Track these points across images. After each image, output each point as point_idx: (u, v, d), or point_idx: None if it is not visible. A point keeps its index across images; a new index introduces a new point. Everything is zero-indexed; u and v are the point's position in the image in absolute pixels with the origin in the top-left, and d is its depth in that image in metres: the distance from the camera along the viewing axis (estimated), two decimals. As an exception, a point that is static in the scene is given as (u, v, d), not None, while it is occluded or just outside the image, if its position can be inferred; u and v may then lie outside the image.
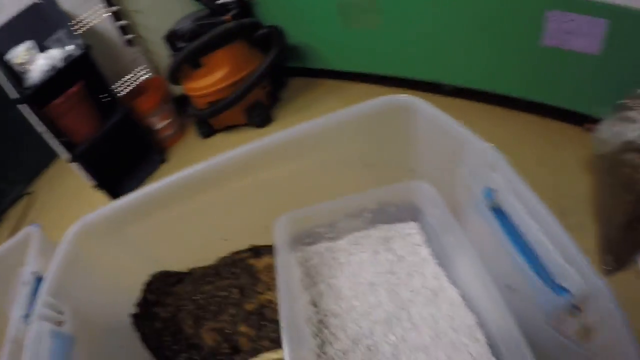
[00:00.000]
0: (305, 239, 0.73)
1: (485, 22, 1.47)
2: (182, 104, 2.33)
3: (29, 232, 0.93)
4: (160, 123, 2.25)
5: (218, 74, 1.99)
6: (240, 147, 0.73)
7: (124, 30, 2.24)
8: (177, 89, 2.33)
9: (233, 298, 0.76)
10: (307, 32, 2.12)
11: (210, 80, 2.00)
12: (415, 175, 0.79)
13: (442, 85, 1.85)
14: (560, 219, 1.20)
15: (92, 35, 2.15)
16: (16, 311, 0.74)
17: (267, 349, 0.70)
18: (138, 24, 2.27)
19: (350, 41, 2.00)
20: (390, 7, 1.73)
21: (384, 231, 0.74)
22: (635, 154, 0.95)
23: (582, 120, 1.42)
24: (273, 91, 2.27)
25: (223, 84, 2.00)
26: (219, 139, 2.24)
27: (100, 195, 2.05)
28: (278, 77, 2.36)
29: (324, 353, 0.58)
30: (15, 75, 1.85)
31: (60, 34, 1.94)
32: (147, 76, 2.44)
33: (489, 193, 0.60)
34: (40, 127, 1.84)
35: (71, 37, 1.94)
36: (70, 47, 1.92)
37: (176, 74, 2.02)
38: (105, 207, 0.74)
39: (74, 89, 1.85)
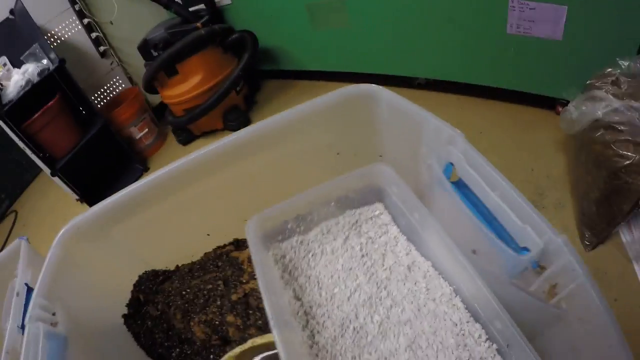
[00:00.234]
0: (277, 236, 0.74)
1: (451, 14, 1.51)
2: (161, 112, 2.35)
3: (18, 245, 0.95)
4: (139, 133, 2.27)
5: (193, 81, 2.01)
6: (213, 144, 0.75)
7: (97, 42, 2.26)
8: (156, 98, 2.36)
9: (219, 290, 0.79)
10: (278, 35, 2.16)
11: (185, 87, 2.02)
12: (384, 160, 0.83)
13: (414, 79, 1.89)
14: (540, 198, 1.24)
15: (66, 49, 2.16)
16: (11, 322, 0.76)
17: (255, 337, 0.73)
18: (111, 35, 2.29)
19: (321, 41, 2.04)
20: (358, 5, 1.77)
21: (352, 216, 0.76)
22: (604, 131, 0.98)
23: (554, 103, 1.48)
24: (249, 94, 2.30)
25: (198, 90, 2.02)
26: (198, 144, 2.26)
27: (84, 208, 2.04)
28: (253, 81, 2.39)
29: (315, 343, 0.59)
30: (-9, 93, 1.86)
31: (35, 48, 1.94)
32: (123, 87, 2.46)
33: (449, 167, 0.64)
34: (20, 143, 1.85)
35: (46, 51, 1.94)
36: (45, 62, 1.93)
37: (151, 83, 2.04)
38: (89, 210, 0.76)
39: (50, 103, 1.86)
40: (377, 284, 0.65)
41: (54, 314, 0.66)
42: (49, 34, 2.11)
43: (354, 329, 0.60)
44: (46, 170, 1.94)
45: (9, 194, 2.50)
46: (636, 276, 1.00)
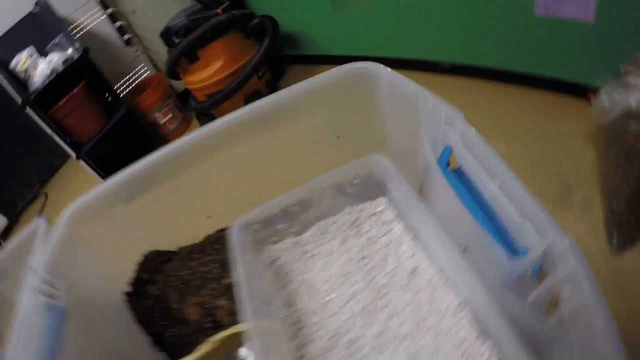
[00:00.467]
0: (269, 238, 0.69)
1: None
2: (186, 98, 2.38)
3: (37, 224, 0.98)
4: (163, 118, 2.31)
5: (214, 67, 2.03)
6: (209, 125, 0.74)
7: (122, 30, 2.30)
8: (181, 84, 2.38)
9: (214, 272, 0.79)
10: (300, 19, 2.15)
11: (207, 73, 2.04)
12: (388, 144, 0.81)
13: (438, 64, 1.84)
14: (566, 194, 1.18)
15: (91, 38, 2.21)
16: (24, 296, 0.79)
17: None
18: (134, 23, 2.33)
19: (343, 26, 2.01)
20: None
21: (351, 214, 0.70)
22: (638, 122, 0.90)
23: (585, 92, 1.37)
24: (272, 80, 2.31)
25: (220, 76, 2.04)
26: (221, 129, 2.27)
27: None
28: (276, 66, 2.39)
29: (303, 356, 0.55)
30: (20, 82, 1.93)
31: (60, 39, 2.01)
32: (147, 73, 2.50)
33: (447, 152, 0.58)
34: (47, 129, 1.91)
35: (70, 41, 2.00)
36: (69, 51, 1.99)
37: (174, 69, 2.07)
38: (94, 189, 0.76)
39: (75, 90, 1.91)
40: (375, 290, 0.60)
41: (55, 288, 0.68)
42: (74, 25, 2.17)
43: (348, 341, 0.55)
44: (72, 154, 2.00)
45: (40, 177, 2.60)
46: (667, 284, 0.90)
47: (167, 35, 2.02)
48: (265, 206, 0.67)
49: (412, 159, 0.67)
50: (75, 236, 0.75)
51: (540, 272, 0.42)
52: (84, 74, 2.00)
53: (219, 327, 0.76)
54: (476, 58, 1.65)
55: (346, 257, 0.65)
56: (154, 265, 0.87)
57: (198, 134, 0.75)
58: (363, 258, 0.65)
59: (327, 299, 0.61)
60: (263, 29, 2.06)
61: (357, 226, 0.69)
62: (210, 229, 0.91)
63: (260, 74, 2.11)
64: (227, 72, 2.04)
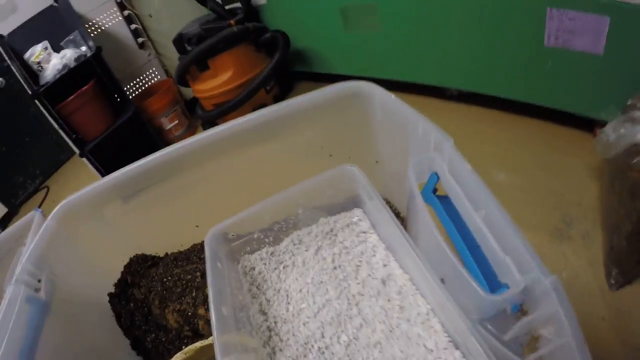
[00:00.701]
0: (245, 247, 0.71)
1: (488, 22, 1.45)
2: (194, 106, 2.40)
3: (32, 216, 0.99)
4: (169, 123, 2.33)
5: (223, 77, 2.05)
6: (206, 132, 0.75)
7: (136, 33, 2.34)
8: (190, 91, 2.41)
9: (196, 282, 0.80)
10: (311, 36, 2.17)
11: (216, 82, 2.06)
12: (381, 166, 0.81)
13: (447, 90, 1.86)
14: (566, 228, 1.18)
15: (105, 38, 2.25)
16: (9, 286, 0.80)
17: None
18: (149, 27, 2.36)
19: (353, 45, 2.03)
20: (390, 9, 1.74)
21: (326, 225, 0.72)
22: None
23: (592, 125, 1.38)
24: (280, 94, 2.33)
25: (228, 86, 2.06)
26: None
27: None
28: (285, 81, 2.41)
29: None
30: (32, 73, 1.95)
31: (75, 35, 2.04)
32: (158, 78, 2.53)
33: (434, 178, 0.58)
34: (54, 123, 1.94)
35: (85, 38, 2.03)
36: (83, 48, 2.02)
37: (183, 76, 2.09)
38: (85, 188, 0.77)
39: (84, 88, 1.93)
40: (347, 299, 0.61)
41: (39, 281, 0.69)
42: (90, 23, 2.20)
43: (319, 349, 0.56)
44: (76, 150, 2.02)
45: (43, 170, 2.62)
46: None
47: (180, 42, 2.05)
48: (241, 215, 0.68)
49: (404, 184, 0.66)
50: (65, 232, 0.76)
51: (522, 309, 0.42)
52: (95, 72, 2.03)
53: (198, 336, 0.77)
54: (484, 86, 1.65)
55: (319, 266, 0.67)
56: (139, 268, 0.88)
57: (191, 141, 0.76)
58: (336, 268, 0.66)
59: (300, 307, 0.62)
60: (274, 44, 2.08)
61: (331, 236, 0.71)
62: (197, 237, 0.92)
63: (268, 87, 2.13)
64: (235, 84, 2.06)
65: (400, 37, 1.80)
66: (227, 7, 2.14)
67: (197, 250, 0.87)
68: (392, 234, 0.62)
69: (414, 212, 0.64)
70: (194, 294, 0.78)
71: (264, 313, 0.62)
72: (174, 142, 2.17)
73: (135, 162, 0.76)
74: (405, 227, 0.73)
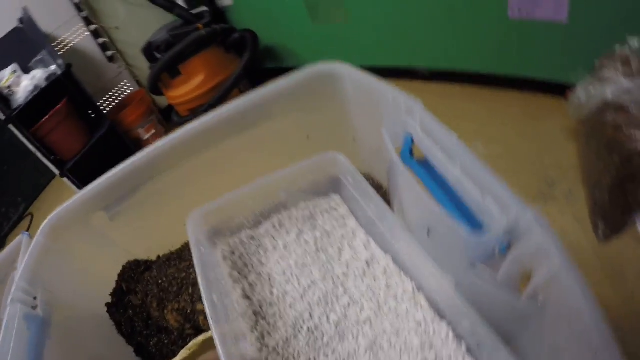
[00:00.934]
0: (226, 231, 0.71)
1: (450, 0, 1.48)
2: (169, 114, 2.39)
3: (20, 240, 0.98)
4: (146, 134, 2.32)
5: (196, 81, 2.05)
6: (178, 131, 0.75)
7: (105, 47, 2.32)
8: (164, 100, 2.40)
9: (191, 278, 0.79)
10: (279, 33, 2.18)
11: (188, 88, 2.06)
12: (358, 143, 0.81)
13: (418, 71, 1.87)
14: (550, 189, 1.20)
15: (75, 55, 2.23)
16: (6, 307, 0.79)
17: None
18: (117, 40, 2.35)
19: (321, 37, 2.05)
20: (355, -1, 1.75)
21: (306, 209, 0.72)
22: (615, 114, 0.90)
23: (564, 90, 1.33)
24: (254, 93, 2.33)
25: (201, 90, 2.06)
26: (204, 144, 2.28)
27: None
28: (258, 79, 2.41)
29: (265, 345, 0.55)
30: (3, 98, 1.93)
31: (43, 55, 2.01)
32: (132, 89, 2.52)
33: (408, 141, 0.59)
34: (30, 146, 1.91)
35: (53, 57, 2.01)
36: (52, 67, 2.00)
37: (156, 85, 2.09)
38: (71, 199, 0.76)
39: (58, 107, 1.91)
40: (333, 280, 0.62)
41: (35, 298, 0.68)
42: (57, 41, 2.19)
43: (309, 329, 0.57)
44: (55, 171, 2.00)
45: (25, 197, 2.57)
46: (655, 270, 0.91)
47: (149, 50, 2.04)
48: (221, 199, 0.69)
49: (382, 156, 0.68)
50: (55, 247, 0.75)
51: (509, 249, 0.42)
52: (67, 90, 2.01)
53: (200, 332, 0.76)
54: (453, 63, 1.68)
55: (302, 250, 0.67)
56: (134, 275, 0.88)
57: (168, 140, 0.75)
58: (318, 250, 0.66)
59: (285, 289, 0.62)
60: (243, 43, 2.09)
61: (312, 221, 0.71)
62: (187, 236, 0.91)
63: (241, 87, 2.13)
64: (208, 87, 2.06)
65: (368, 23, 1.82)
66: (193, 12, 2.14)
67: (189, 248, 0.87)
68: (374, 215, 0.62)
69: (394, 176, 0.66)
70: (190, 290, 0.78)
71: (248, 298, 0.62)
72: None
73: (115, 168, 0.76)
74: (388, 199, 0.75)
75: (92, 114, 2.19)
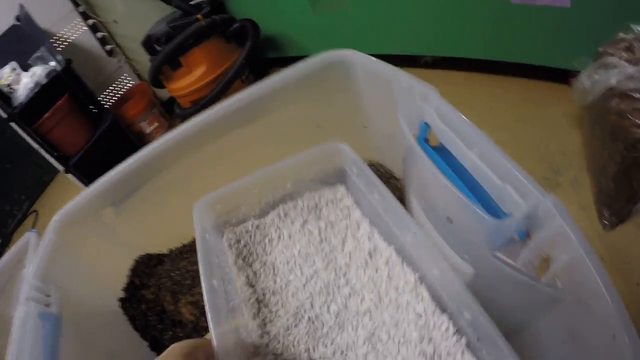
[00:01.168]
0: (232, 219, 0.72)
1: None
2: (171, 106, 2.38)
3: (27, 238, 0.98)
4: (149, 127, 2.31)
5: (197, 73, 2.03)
6: (192, 120, 0.75)
7: (104, 41, 2.30)
8: (166, 92, 2.38)
9: None
10: (280, 21, 2.15)
11: (190, 79, 2.04)
12: (369, 130, 0.81)
13: (421, 58, 1.86)
14: (555, 176, 1.19)
15: (74, 50, 2.21)
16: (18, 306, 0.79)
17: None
18: (116, 34, 2.32)
19: (323, 25, 2.02)
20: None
21: (311, 199, 0.73)
22: (619, 100, 0.90)
23: (567, 76, 1.39)
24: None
25: (203, 82, 2.04)
26: (208, 136, 2.27)
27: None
28: (259, 70, 2.40)
29: (267, 333, 0.57)
30: (4, 96, 1.91)
31: (42, 51, 1.99)
32: (132, 83, 2.50)
33: (424, 128, 0.58)
34: (33, 144, 1.90)
35: (52, 53, 1.99)
36: (52, 64, 1.98)
37: (157, 77, 2.07)
38: (80, 195, 0.77)
39: (59, 103, 1.90)
40: (335, 270, 0.62)
41: (48, 296, 0.68)
42: (55, 37, 2.16)
43: (309, 318, 0.58)
44: (60, 168, 2.00)
45: (29, 195, 2.57)
46: (661, 258, 0.90)
47: (149, 43, 2.02)
48: (227, 188, 0.69)
49: (395, 143, 0.68)
50: (65, 243, 0.76)
51: (528, 235, 0.43)
52: (68, 86, 1.99)
53: (216, 325, 0.76)
54: (456, 49, 1.65)
55: (306, 239, 0.68)
56: (146, 269, 0.88)
57: (177, 132, 0.75)
58: (322, 240, 0.67)
59: (288, 279, 0.63)
60: (244, 33, 2.07)
61: (316, 211, 0.72)
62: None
63: (243, 77, 2.12)
64: (210, 78, 2.04)
65: (369, 10, 1.79)
66: (192, 3, 2.11)
67: (201, 241, 0.87)
68: (379, 205, 0.62)
69: (410, 163, 0.66)
70: (204, 283, 0.78)
71: (251, 285, 0.63)
72: (158, 145, 2.13)
73: (123, 162, 0.76)
74: (402, 186, 0.74)
75: (93, 109, 2.17)
